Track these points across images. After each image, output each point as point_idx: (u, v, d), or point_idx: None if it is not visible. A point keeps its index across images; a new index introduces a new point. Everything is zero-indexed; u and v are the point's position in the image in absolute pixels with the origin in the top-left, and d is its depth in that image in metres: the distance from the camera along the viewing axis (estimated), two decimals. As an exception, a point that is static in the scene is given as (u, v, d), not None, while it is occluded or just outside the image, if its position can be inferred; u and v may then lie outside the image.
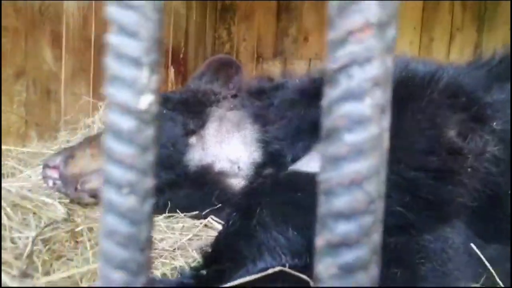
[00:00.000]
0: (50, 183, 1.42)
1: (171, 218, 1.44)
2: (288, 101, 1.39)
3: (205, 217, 1.41)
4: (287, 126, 1.33)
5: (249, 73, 3.17)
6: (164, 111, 1.50)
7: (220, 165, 1.46)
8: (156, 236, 1.27)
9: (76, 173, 1.42)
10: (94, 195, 1.45)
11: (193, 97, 1.59)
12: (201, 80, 1.66)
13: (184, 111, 1.53)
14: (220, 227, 1.31)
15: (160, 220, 1.40)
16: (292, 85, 1.46)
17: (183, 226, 1.39)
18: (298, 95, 1.38)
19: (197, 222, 1.42)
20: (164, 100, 1.55)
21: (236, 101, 1.57)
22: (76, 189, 1.44)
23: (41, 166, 1.50)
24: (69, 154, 1.45)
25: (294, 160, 1.25)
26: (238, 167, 1.44)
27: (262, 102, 1.48)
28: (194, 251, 1.20)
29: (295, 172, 1.13)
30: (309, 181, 0.94)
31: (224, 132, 1.50)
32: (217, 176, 1.47)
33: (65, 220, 1.22)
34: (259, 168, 1.38)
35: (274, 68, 3.24)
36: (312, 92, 1.33)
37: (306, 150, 1.23)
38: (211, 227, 1.39)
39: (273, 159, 1.35)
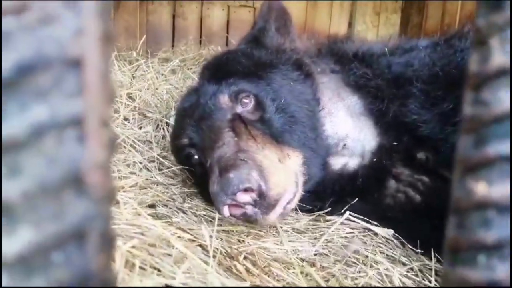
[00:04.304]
0: (238, 212, 1.00)
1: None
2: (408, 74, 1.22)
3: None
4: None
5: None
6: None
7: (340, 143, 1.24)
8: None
9: (278, 192, 1.02)
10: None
11: (298, 57, 1.31)
12: (267, 34, 1.38)
13: (302, 75, 1.27)
14: (367, 225, 1.14)
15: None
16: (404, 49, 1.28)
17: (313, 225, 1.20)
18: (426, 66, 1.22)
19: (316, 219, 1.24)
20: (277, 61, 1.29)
21: (322, 63, 1.35)
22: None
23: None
24: (255, 163, 1.00)
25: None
26: (345, 145, 1.23)
27: (362, 69, 1.28)
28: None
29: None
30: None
31: (328, 101, 1.25)
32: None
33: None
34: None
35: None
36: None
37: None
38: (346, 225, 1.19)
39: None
